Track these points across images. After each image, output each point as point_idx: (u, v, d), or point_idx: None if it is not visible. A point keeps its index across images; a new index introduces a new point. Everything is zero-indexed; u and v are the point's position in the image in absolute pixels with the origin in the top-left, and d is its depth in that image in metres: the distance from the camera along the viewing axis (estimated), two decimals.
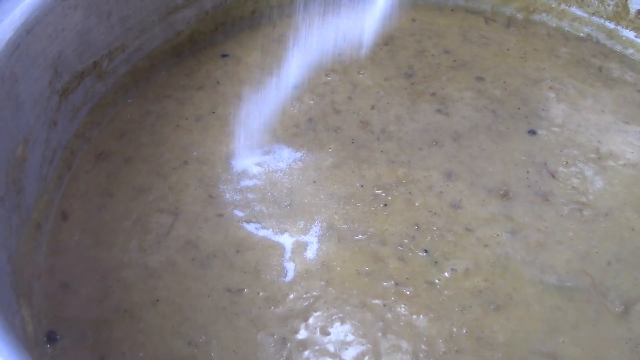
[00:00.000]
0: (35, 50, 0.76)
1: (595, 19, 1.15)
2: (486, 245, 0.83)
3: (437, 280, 0.79)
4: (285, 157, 0.92)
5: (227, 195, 0.86)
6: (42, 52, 0.78)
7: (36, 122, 0.77)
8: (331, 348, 0.73)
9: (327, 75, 1.05)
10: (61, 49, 0.82)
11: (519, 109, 1.01)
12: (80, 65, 0.87)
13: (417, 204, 0.87)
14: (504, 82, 1.06)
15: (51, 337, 0.71)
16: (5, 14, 0.74)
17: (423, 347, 0.73)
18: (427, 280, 0.79)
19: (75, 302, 0.75)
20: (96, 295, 0.75)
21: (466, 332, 0.75)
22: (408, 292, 0.78)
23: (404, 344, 0.73)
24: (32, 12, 0.75)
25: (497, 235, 0.84)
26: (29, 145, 0.75)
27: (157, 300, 0.75)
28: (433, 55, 1.10)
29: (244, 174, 0.90)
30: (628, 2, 1.11)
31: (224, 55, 1.07)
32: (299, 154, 0.93)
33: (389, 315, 0.76)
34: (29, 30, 0.75)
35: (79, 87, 0.87)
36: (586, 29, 1.16)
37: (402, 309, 0.76)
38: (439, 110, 1.00)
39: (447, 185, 0.90)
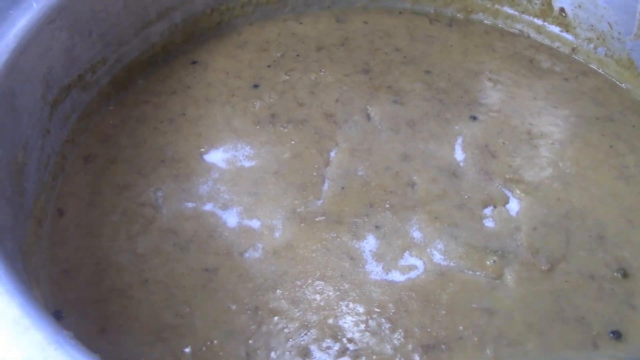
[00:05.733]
0: (28, 68, 0.87)
1: (525, 16, 1.27)
2: (436, 218, 0.95)
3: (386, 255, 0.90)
4: (249, 152, 1.02)
5: (200, 188, 0.97)
6: (34, 69, 0.88)
7: (32, 131, 0.88)
8: (297, 314, 0.84)
9: (286, 74, 1.15)
10: (50, 65, 0.92)
11: (462, 97, 1.13)
12: (67, 79, 0.97)
13: (372, 185, 0.99)
14: (449, 74, 1.18)
15: (58, 316, 0.81)
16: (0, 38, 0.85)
17: (376, 309, 0.84)
18: (377, 253, 0.91)
19: (75, 285, 0.85)
20: (93, 278, 0.86)
21: (414, 296, 0.86)
22: (361, 265, 0.89)
23: (360, 308, 0.84)
24: (24, 35, 0.86)
25: (447, 209, 0.96)
26: (27, 151, 0.86)
27: (146, 280, 0.86)
28: (386, 53, 1.21)
29: (213, 168, 1.00)
30: (552, 0, 1.23)
31: (193, 62, 1.17)
32: (263, 149, 1.02)
33: (345, 284, 0.87)
34: (22, 51, 0.85)
35: (67, 98, 0.97)
36: (518, 26, 1.28)
37: (357, 279, 0.87)
38: (395, 101, 1.12)
39: (403, 166, 1.01)
